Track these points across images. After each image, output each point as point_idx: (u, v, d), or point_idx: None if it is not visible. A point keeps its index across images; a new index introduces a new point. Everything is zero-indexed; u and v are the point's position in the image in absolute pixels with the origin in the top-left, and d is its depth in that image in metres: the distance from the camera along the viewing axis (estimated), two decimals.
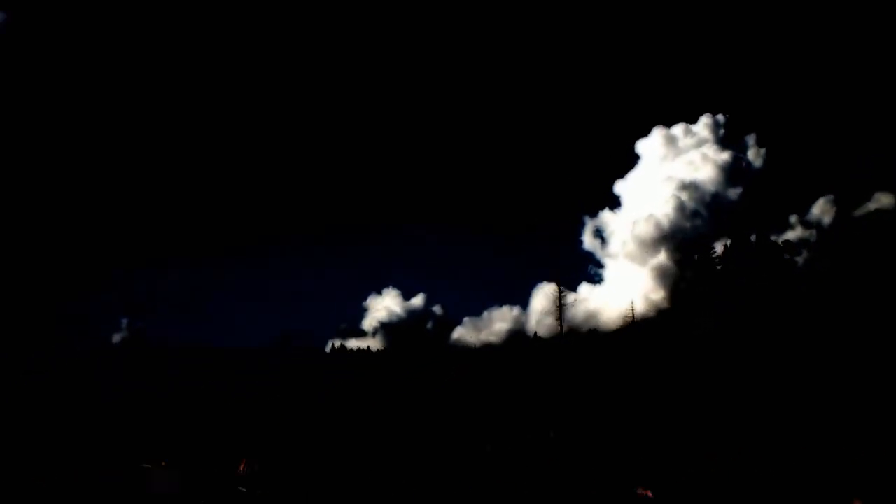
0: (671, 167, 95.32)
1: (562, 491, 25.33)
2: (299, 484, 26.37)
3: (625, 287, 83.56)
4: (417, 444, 34.63)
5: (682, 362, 43.56)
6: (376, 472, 28.77)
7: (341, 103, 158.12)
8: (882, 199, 69.06)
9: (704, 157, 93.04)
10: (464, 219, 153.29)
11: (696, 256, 56.27)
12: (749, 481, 24.42)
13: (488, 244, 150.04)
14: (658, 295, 78.86)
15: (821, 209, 76.59)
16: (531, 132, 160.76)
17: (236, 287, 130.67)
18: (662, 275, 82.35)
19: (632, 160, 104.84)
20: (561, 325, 43.82)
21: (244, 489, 23.90)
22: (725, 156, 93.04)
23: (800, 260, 56.68)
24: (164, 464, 25.85)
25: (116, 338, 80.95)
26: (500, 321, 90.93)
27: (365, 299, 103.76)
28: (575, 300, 45.69)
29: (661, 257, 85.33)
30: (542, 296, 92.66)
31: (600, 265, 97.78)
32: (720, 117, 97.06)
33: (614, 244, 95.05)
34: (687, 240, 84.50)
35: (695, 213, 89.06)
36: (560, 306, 43.37)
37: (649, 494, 22.46)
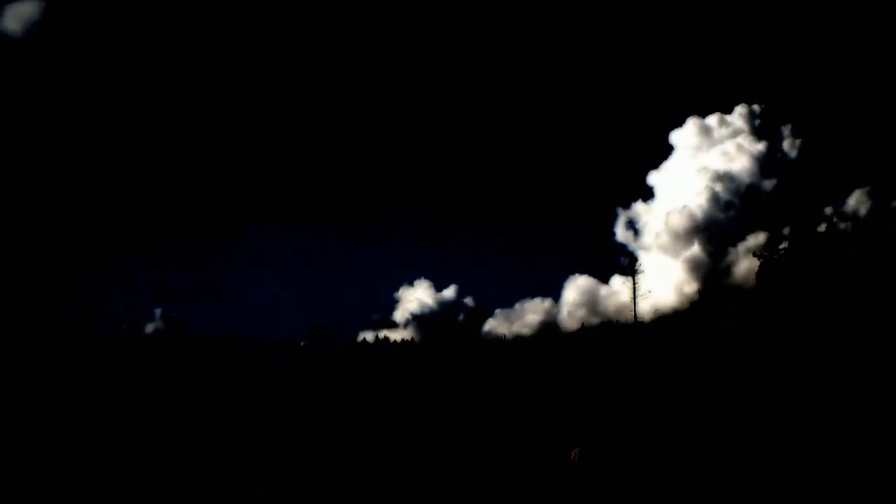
0: (705, 158, 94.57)
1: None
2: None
3: (658, 279, 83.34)
4: (446, 442, 34.98)
5: (717, 356, 43.48)
6: (409, 469, 29.23)
7: (377, 91, 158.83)
8: None
9: (739, 147, 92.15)
10: (496, 210, 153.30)
11: (761, 250, 55.45)
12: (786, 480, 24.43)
13: (521, 235, 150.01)
14: (691, 287, 78.55)
15: (857, 201, 75.46)
16: (565, 123, 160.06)
17: (267, 276, 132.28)
18: (696, 267, 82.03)
19: (666, 151, 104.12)
20: (635, 314, 43.89)
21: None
22: (760, 147, 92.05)
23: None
24: None
25: (150, 328, 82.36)
26: (531, 313, 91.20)
27: (397, 290, 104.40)
28: (649, 291, 45.53)
29: (695, 249, 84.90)
30: (574, 288, 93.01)
31: (633, 257, 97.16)
32: (755, 107, 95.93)
33: (647, 236, 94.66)
34: (721, 232, 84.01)
35: (729, 205, 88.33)
36: (634, 293, 43.35)
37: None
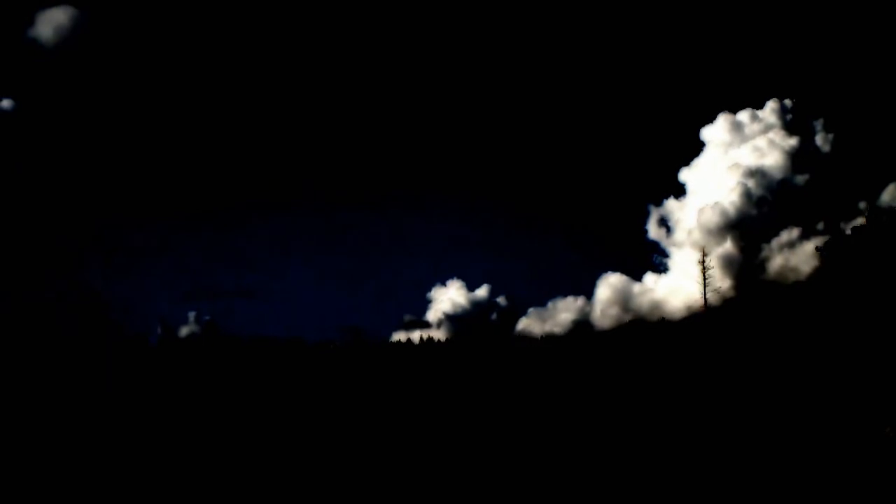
0: (737, 154, 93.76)
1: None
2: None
3: (690, 276, 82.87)
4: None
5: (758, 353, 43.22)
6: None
7: (410, 97, 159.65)
8: None
9: (771, 143, 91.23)
10: (528, 209, 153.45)
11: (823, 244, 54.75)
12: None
13: (552, 234, 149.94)
14: (724, 284, 78.01)
15: (891, 195, 74.40)
16: (595, 121, 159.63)
17: (301, 278, 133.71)
18: (729, 263, 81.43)
19: (697, 147, 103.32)
20: (705, 300, 43.69)
21: None
22: (792, 142, 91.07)
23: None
24: None
25: (184, 331, 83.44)
26: (564, 311, 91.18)
27: (430, 290, 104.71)
28: (719, 288, 45.39)
29: (727, 246, 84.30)
30: (607, 286, 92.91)
31: (665, 254, 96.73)
32: (787, 102, 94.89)
33: (679, 233, 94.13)
34: (754, 228, 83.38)
35: (761, 201, 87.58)
36: (704, 277, 43.14)
37: None
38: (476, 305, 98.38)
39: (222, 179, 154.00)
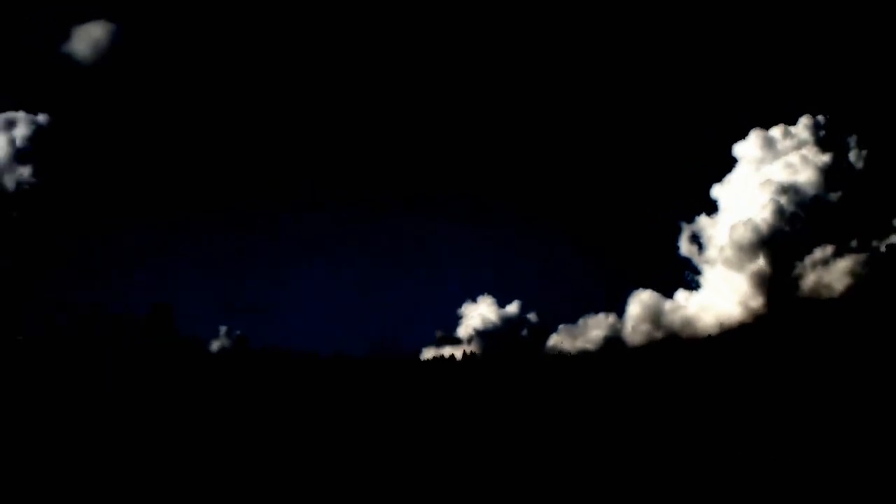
0: (769, 170, 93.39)
1: None
2: None
3: (723, 293, 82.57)
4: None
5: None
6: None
7: (448, 112, 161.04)
8: None
9: (804, 159, 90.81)
10: (559, 226, 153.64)
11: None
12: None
13: (584, 251, 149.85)
14: (757, 301, 77.67)
15: None
16: (627, 138, 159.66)
17: (331, 293, 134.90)
18: (761, 281, 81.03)
19: (729, 164, 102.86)
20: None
21: None
22: (826, 158, 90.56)
23: None
24: None
25: (215, 345, 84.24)
26: (595, 328, 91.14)
27: (460, 306, 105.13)
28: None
29: (760, 263, 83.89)
30: (638, 302, 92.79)
31: (697, 271, 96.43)
32: (820, 118, 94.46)
33: (711, 250, 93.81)
34: (787, 245, 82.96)
35: (794, 218, 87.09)
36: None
37: None
38: (507, 321, 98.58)
39: (248, 191, 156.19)
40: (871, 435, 32.17)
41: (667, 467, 31.56)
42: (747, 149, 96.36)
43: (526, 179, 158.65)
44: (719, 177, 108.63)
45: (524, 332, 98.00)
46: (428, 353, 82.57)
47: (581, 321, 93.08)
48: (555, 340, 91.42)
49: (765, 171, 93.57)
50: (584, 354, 77.13)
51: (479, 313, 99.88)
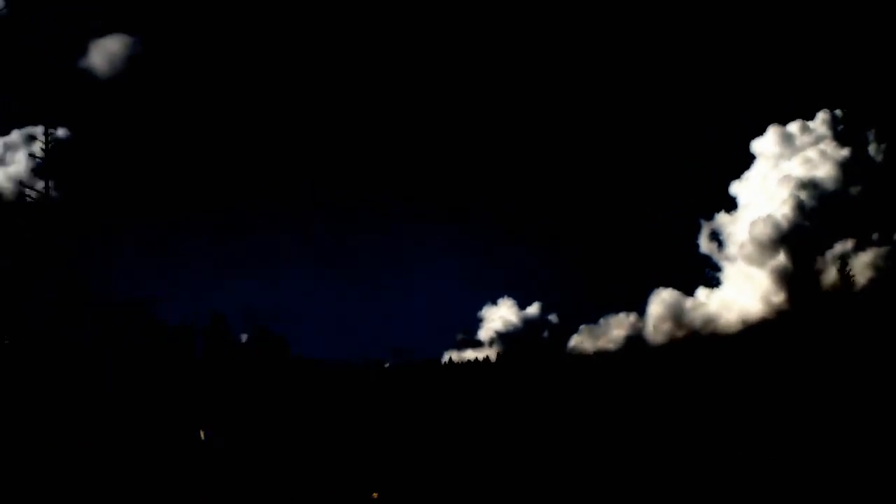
0: (788, 166, 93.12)
1: None
2: None
3: (743, 290, 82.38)
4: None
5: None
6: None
7: (451, 112, 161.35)
8: None
9: (822, 154, 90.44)
10: (577, 225, 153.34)
11: None
12: None
13: (602, 250, 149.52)
14: (778, 297, 77.38)
15: None
16: (644, 136, 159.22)
17: (349, 298, 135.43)
18: (782, 276, 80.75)
19: (747, 160, 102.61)
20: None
21: None
22: (844, 152, 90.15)
23: None
24: None
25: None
26: (616, 328, 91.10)
27: (480, 309, 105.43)
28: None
29: (781, 258, 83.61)
30: (659, 301, 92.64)
31: (718, 268, 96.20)
32: (838, 112, 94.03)
33: (731, 246, 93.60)
34: (807, 240, 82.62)
35: (814, 213, 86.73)
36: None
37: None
38: (527, 323, 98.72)
39: (262, 194, 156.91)
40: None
41: (691, 466, 31.60)
42: (765, 145, 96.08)
43: (544, 180, 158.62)
44: (738, 173, 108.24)
45: (545, 334, 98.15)
46: (448, 356, 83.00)
47: (602, 321, 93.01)
48: (576, 341, 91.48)
49: (783, 167, 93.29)
50: (605, 354, 77.19)
51: (499, 315, 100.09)
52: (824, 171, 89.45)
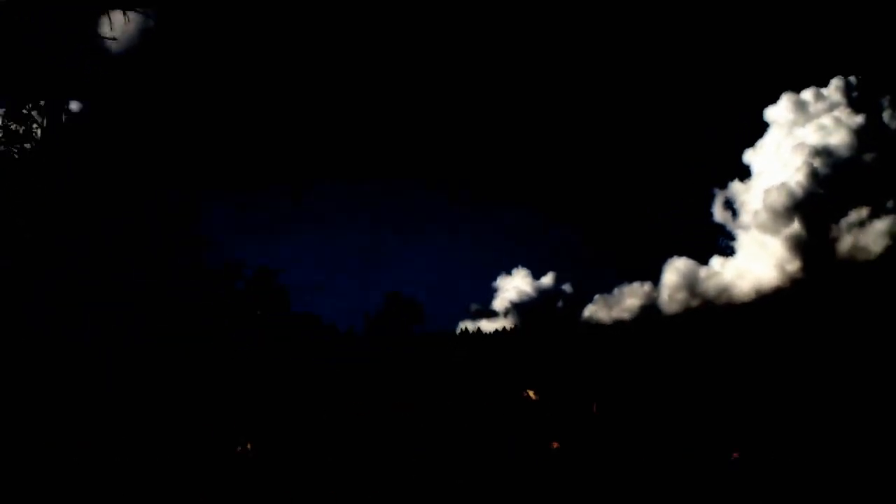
0: (802, 133, 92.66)
1: None
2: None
3: (758, 258, 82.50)
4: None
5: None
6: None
7: (479, 90, 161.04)
8: None
9: (837, 121, 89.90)
10: (592, 196, 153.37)
11: None
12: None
13: (617, 219, 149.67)
14: (793, 265, 77.41)
15: None
16: (658, 106, 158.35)
17: (363, 270, 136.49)
18: (797, 244, 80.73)
19: (761, 128, 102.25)
20: None
21: None
22: (859, 119, 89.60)
23: None
24: None
25: None
26: (631, 297, 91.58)
27: (495, 279, 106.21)
28: None
29: (795, 227, 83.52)
30: (673, 270, 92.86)
31: (732, 237, 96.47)
32: (852, 79, 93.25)
33: (746, 215, 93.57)
34: (822, 208, 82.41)
35: (828, 180, 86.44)
36: None
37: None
38: (542, 293, 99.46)
39: (285, 164, 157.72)
40: None
41: (706, 436, 31.93)
42: (779, 112, 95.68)
43: (559, 151, 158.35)
44: (751, 142, 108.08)
45: (560, 304, 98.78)
46: (463, 326, 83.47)
47: (616, 291, 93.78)
48: (590, 311, 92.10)
49: (797, 135, 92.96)
50: (621, 323, 77.54)
51: (514, 286, 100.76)
52: (838, 139, 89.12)
